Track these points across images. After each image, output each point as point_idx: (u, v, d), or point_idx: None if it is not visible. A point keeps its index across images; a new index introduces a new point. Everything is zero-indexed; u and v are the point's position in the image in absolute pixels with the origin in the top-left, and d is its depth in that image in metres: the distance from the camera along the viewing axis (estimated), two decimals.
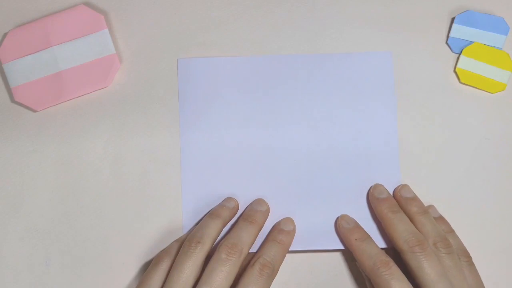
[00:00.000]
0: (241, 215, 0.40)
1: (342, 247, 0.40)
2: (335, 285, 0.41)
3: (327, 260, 0.41)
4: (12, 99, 0.41)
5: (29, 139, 0.41)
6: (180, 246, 0.37)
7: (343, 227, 0.39)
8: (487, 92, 0.42)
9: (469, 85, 0.42)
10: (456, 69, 0.42)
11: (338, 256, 0.41)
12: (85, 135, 0.41)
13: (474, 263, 0.38)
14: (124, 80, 0.42)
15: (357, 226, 0.39)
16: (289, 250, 0.39)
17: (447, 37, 0.43)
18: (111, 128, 0.41)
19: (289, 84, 0.41)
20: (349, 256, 0.41)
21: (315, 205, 0.40)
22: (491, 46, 0.42)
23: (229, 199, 0.40)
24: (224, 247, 0.36)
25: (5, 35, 0.41)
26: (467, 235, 0.40)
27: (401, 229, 0.37)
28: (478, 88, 0.42)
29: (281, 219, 0.40)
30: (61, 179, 0.41)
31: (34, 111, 0.41)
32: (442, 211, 0.41)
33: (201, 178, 0.40)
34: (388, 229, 0.38)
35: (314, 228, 0.40)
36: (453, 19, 0.43)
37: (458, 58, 0.42)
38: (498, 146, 0.40)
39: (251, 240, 0.37)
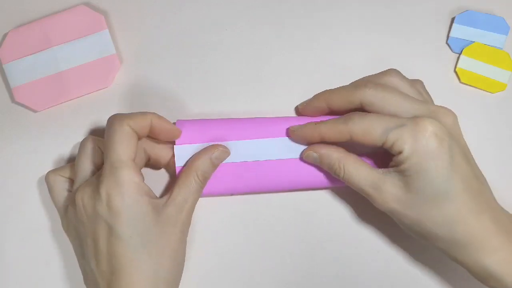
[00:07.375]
0: None
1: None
2: (335, 285, 0.41)
3: (328, 260, 0.41)
4: (13, 100, 0.41)
5: (30, 139, 0.41)
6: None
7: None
8: (487, 92, 0.42)
9: (469, 85, 0.42)
10: (457, 69, 0.42)
11: (338, 256, 0.41)
12: (86, 135, 0.41)
13: None
14: (124, 80, 0.42)
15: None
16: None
17: (447, 37, 0.43)
18: None
19: None
20: (350, 257, 0.41)
21: None
22: (492, 46, 0.42)
23: None
24: None
25: (5, 35, 0.41)
26: None
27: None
28: (478, 88, 0.42)
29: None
30: None
31: (35, 111, 0.41)
32: None
33: None
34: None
35: None
36: (453, 19, 0.43)
37: (458, 58, 0.42)
38: (498, 146, 0.40)
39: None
